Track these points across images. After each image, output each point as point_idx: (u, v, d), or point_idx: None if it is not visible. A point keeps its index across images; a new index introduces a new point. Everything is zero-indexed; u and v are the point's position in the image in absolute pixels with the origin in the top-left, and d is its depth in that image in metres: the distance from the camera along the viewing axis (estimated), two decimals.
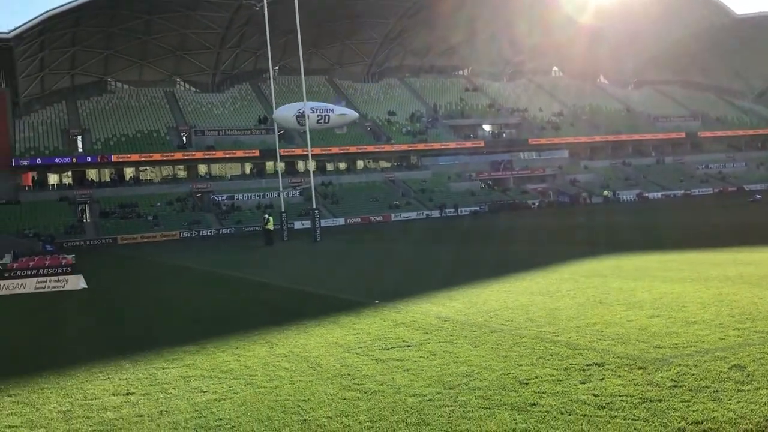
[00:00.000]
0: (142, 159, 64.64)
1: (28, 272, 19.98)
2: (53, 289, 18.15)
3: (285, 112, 40.87)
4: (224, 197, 63.60)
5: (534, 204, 67.45)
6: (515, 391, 5.75)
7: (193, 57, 75.25)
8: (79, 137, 65.77)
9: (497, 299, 10.90)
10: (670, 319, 8.21)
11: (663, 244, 19.05)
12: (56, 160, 61.47)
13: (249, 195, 64.26)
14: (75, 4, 58.58)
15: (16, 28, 55.55)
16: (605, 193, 68.26)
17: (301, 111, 37.69)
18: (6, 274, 22.30)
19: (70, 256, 30.58)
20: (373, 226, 55.89)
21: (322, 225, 41.29)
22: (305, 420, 5.40)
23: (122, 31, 68.37)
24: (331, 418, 5.40)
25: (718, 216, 33.32)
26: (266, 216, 36.90)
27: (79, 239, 52.70)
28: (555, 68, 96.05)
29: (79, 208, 59.44)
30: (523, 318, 9.07)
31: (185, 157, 66.59)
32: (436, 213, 62.73)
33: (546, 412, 5.15)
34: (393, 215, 62.45)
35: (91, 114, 68.31)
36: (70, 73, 70.65)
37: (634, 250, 17.48)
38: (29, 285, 18.42)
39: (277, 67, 74.30)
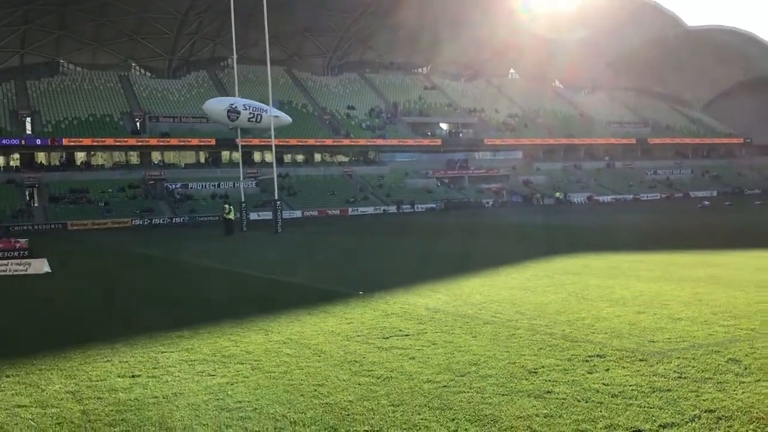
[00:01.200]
0: (95, 143, 63.15)
1: None
2: (15, 273, 17.64)
3: (216, 105, 38.67)
4: (178, 185, 62.59)
5: (488, 203, 68.42)
6: (526, 379, 5.94)
7: (149, 41, 73.76)
8: (29, 119, 63.84)
9: (480, 293, 11.12)
10: (656, 315, 8.54)
11: (627, 245, 19.63)
12: (3, 141, 59.58)
13: (203, 184, 63.40)
14: None
15: None
16: (557, 194, 69.62)
17: (233, 106, 36.32)
18: None
19: (23, 240, 29.79)
20: (331, 219, 55.80)
21: None
22: (327, 403, 5.48)
23: (77, 12, 66.55)
24: (352, 402, 5.49)
25: (671, 220, 34.45)
26: (226, 205, 36.41)
27: (27, 224, 51.19)
28: (512, 71, 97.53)
29: (27, 192, 57.71)
30: (513, 311, 9.30)
31: (139, 143, 65.29)
32: (393, 209, 63.08)
33: (562, 399, 5.35)
34: (350, 209, 62.51)
35: (41, 95, 66.35)
36: (19, 52, 68.42)
37: (599, 250, 17.98)
38: None
39: (235, 56, 73.32)
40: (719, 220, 33.02)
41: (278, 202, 37.36)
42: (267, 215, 53.26)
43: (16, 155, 62.06)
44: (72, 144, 62.10)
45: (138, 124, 67.30)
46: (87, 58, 72.89)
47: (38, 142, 60.96)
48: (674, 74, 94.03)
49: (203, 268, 18.34)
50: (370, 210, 63.13)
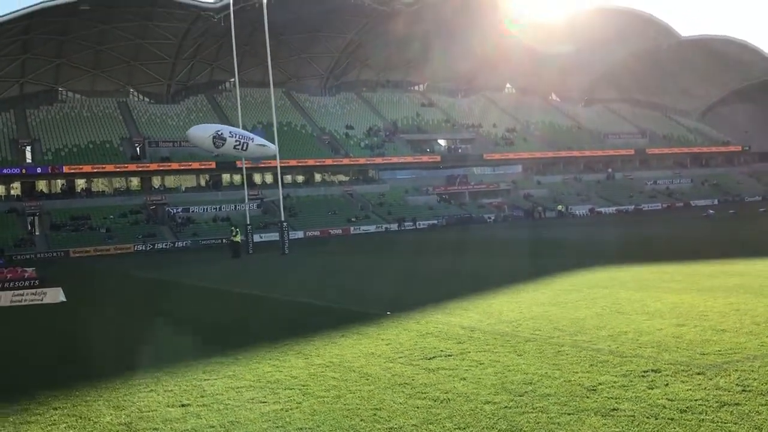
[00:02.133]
0: (95, 170, 63.04)
1: (1, 285, 19.26)
2: (31, 303, 17.50)
3: (200, 132, 37.79)
4: (179, 209, 62.44)
5: (490, 218, 68.40)
6: (588, 397, 5.86)
7: (147, 67, 73.88)
8: (29, 147, 63.75)
9: (512, 309, 11.05)
10: (698, 327, 8.48)
11: (645, 257, 19.54)
12: (4, 171, 59.40)
13: (205, 207, 63.29)
14: (26, 11, 57.04)
15: None
16: (559, 207, 69.64)
17: (219, 133, 35.77)
18: None
19: (30, 269, 29.67)
20: (334, 239, 55.70)
21: None
22: (391, 428, 5.40)
23: (75, 40, 66.68)
24: (416, 426, 5.41)
25: (679, 230, 34.42)
26: (234, 228, 36.29)
27: (30, 252, 50.95)
28: (508, 85, 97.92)
29: (29, 221, 57.52)
30: (550, 327, 9.23)
31: (139, 169, 65.22)
32: (395, 226, 63.02)
33: (631, 416, 5.27)
34: (352, 228, 62.42)
35: (41, 124, 66.35)
36: (19, 81, 68.47)
37: (619, 263, 17.90)
38: (4, 298, 17.72)
39: (233, 80, 73.59)
40: (727, 228, 33.00)
41: (285, 223, 37.21)
42: (270, 237, 53.22)
43: (17, 184, 61.90)
44: (72, 171, 61.99)
45: (138, 149, 67.28)
46: (86, 86, 73.00)
47: (39, 170, 60.85)
48: (669, 84, 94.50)
49: (220, 292, 18.21)
50: (371, 228, 63.03)
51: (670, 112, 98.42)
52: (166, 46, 71.05)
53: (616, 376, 6.47)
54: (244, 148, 35.97)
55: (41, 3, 57.07)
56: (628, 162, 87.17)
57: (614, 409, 5.46)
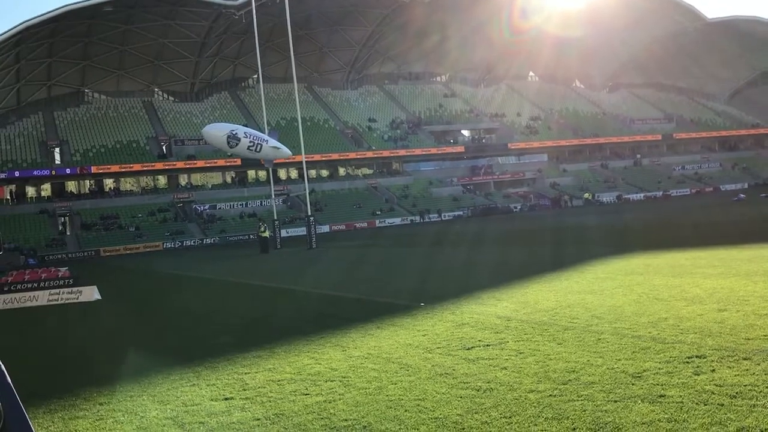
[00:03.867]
0: (122, 170, 63.88)
1: (38, 285, 19.62)
2: (67, 301, 17.79)
3: (215, 131, 37.80)
4: (206, 207, 63.05)
5: (516, 208, 68.03)
6: (633, 384, 5.80)
7: (171, 66, 74.54)
8: (57, 149, 64.72)
9: (547, 299, 10.97)
10: (741, 312, 8.34)
11: (678, 243, 19.27)
12: (35, 173, 60.45)
13: (231, 204, 63.81)
14: (52, 14, 57.85)
15: None
16: (586, 195, 69.05)
17: (233, 132, 35.80)
18: (5, 288, 21.93)
19: (64, 269, 30.17)
20: (359, 232, 55.79)
21: None
22: (436, 418, 5.39)
23: (99, 42, 67.53)
24: (461, 415, 5.39)
25: (710, 215, 33.89)
26: (261, 223, 36.53)
27: (61, 252, 51.88)
28: (531, 73, 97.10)
29: (60, 221, 58.46)
30: (588, 315, 9.15)
31: (166, 167, 65.93)
32: (418, 218, 62.95)
33: (679, 402, 5.20)
34: (377, 221, 62.49)
35: (68, 125, 67.34)
36: (46, 84, 69.48)
37: (652, 249, 17.70)
38: (42, 297, 18.04)
39: (255, 75, 73.95)
40: (759, 212, 32.42)
41: (311, 218, 37.36)
42: (296, 232, 53.57)
43: (47, 185, 62.97)
44: (100, 171, 62.88)
45: (164, 148, 67.98)
46: (111, 86, 73.86)
47: (68, 171, 61.82)
48: (696, 68, 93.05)
49: (253, 287, 18.35)
50: (397, 221, 63.08)
51: (696, 96, 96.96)
52: (188, 45, 71.59)
53: (659, 362, 6.39)
54: (258, 150, 36.04)
55: (66, 6, 57.79)
56: (654, 147, 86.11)
57: (661, 396, 5.39)
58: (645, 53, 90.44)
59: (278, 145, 37.68)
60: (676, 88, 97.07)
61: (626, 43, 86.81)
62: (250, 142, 35.67)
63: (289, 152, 39.52)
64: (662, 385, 5.69)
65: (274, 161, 41.65)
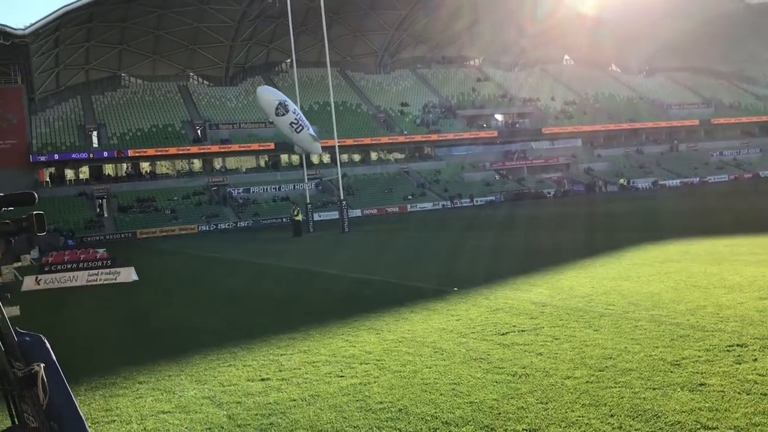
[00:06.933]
0: (158, 153, 64.75)
1: (77, 265, 20.05)
2: (105, 282, 18.16)
3: (268, 94, 37.15)
4: (240, 190, 63.67)
5: (549, 193, 67.39)
6: (672, 372, 5.72)
7: (205, 50, 75.09)
8: (95, 132, 65.78)
9: (582, 284, 10.87)
10: None
11: (716, 230, 18.91)
12: (73, 156, 61.55)
13: (265, 188, 64.33)
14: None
15: (32, 25, 55.56)
16: (621, 181, 68.13)
17: (284, 103, 35.57)
18: (45, 269, 22.44)
19: (101, 250, 30.79)
20: (391, 217, 55.82)
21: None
22: (472, 402, 5.38)
23: (135, 26, 68.25)
24: (497, 400, 5.38)
25: (750, 202, 33.17)
26: (294, 207, 36.78)
27: (99, 234, 52.92)
28: (566, 57, 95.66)
29: (97, 203, 59.55)
30: (624, 302, 9.04)
31: (201, 151, 66.67)
32: (448, 204, 62.71)
33: (721, 391, 5.12)
34: (409, 206, 62.42)
35: (106, 109, 68.36)
36: (84, 68, 70.55)
37: (689, 236, 17.40)
38: (81, 278, 18.44)
39: (289, 60, 74.14)
40: None
41: (344, 202, 37.49)
42: (328, 216, 53.76)
43: (85, 168, 64.14)
44: (137, 155, 63.85)
45: (199, 132, 68.67)
46: (147, 71, 74.72)
47: (105, 154, 62.85)
48: (736, 51, 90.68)
49: (288, 270, 18.51)
50: (428, 206, 62.95)
51: (736, 80, 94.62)
52: (223, 29, 72.00)
53: (699, 350, 6.29)
54: (298, 131, 36.09)
55: None
56: (692, 133, 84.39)
57: (702, 384, 5.31)
58: (683, 36, 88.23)
59: (315, 137, 37.83)
60: (715, 71, 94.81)
61: (664, 26, 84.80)
62: (295, 120, 35.82)
63: (320, 150, 39.63)
64: (702, 373, 5.60)
65: (303, 152, 41.78)
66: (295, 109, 36.59)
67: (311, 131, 37.09)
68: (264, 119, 70.67)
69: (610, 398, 5.19)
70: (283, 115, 35.12)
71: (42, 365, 3.31)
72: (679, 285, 10.01)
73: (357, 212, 59.58)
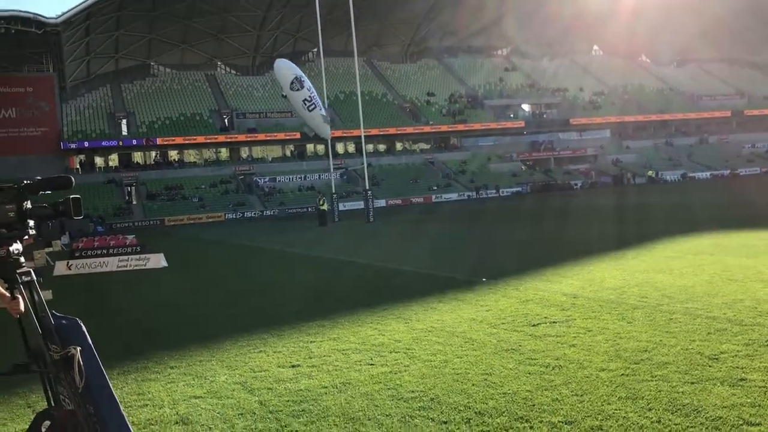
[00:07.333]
0: (186, 142, 65.29)
1: (107, 251, 20.30)
2: (135, 268, 18.35)
3: (286, 67, 37.26)
4: (266, 179, 63.97)
5: (577, 185, 66.73)
6: (710, 366, 5.60)
7: (233, 40, 75.42)
8: (124, 120, 66.52)
9: (613, 277, 10.73)
10: None
11: (749, 223, 18.51)
12: (103, 143, 62.35)
13: (290, 177, 64.54)
14: None
15: (64, 14, 56.30)
16: (649, 173, 67.22)
17: (300, 79, 35.38)
18: (76, 254, 22.73)
19: (131, 236, 31.10)
20: (416, 207, 55.70)
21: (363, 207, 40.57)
22: (505, 393, 5.32)
23: (164, 15, 68.69)
24: (530, 391, 5.31)
25: None
26: (320, 196, 36.86)
27: (128, 221, 53.53)
28: (595, 47, 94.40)
29: (126, 191, 60.26)
30: (658, 295, 8.89)
31: (228, 140, 67.11)
32: (473, 194, 62.35)
33: (763, 387, 4.99)
34: (434, 197, 62.22)
35: (135, 97, 69.04)
36: (114, 57, 71.31)
37: (722, 229, 17.09)
38: (111, 263, 18.66)
39: (315, 49, 74.13)
40: None
41: (369, 192, 37.47)
42: (353, 205, 53.76)
43: (114, 156, 64.97)
44: (165, 143, 64.49)
45: (226, 121, 69.08)
46: (175, 59, 75.26)
47: (134, 142, 63.59)
48: None
49: (314, 258, 18.54)
50: (453, 197, 62.69)
51: None
52: (250, 18, 72.23)
53: (738, 345, 6.16)
54: (310, 109, 36.06)
55: None
56: (723, 125, 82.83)
57: (742, 380, 5.19)
58: (717, 26, 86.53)
59: (327, 119, 37.83)
60: (750, 62, 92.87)
61: (697, 15, 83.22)
62: (309, 97, 35.78)
63: (329, 134, 39.68)
64: (742, 368, 5.47)
65: (312, 133, 41.91)
66: (310, 87, 36.54)
67: (323, 112, 37.13)
68: (290, 109, 71.08)
69: (647, 392, 5.09)
70: (298, 90, 35.10)
71: (78, 348, 3.32)
72: (714, 278, 9.83)
73: (381, 202, 59.53)
